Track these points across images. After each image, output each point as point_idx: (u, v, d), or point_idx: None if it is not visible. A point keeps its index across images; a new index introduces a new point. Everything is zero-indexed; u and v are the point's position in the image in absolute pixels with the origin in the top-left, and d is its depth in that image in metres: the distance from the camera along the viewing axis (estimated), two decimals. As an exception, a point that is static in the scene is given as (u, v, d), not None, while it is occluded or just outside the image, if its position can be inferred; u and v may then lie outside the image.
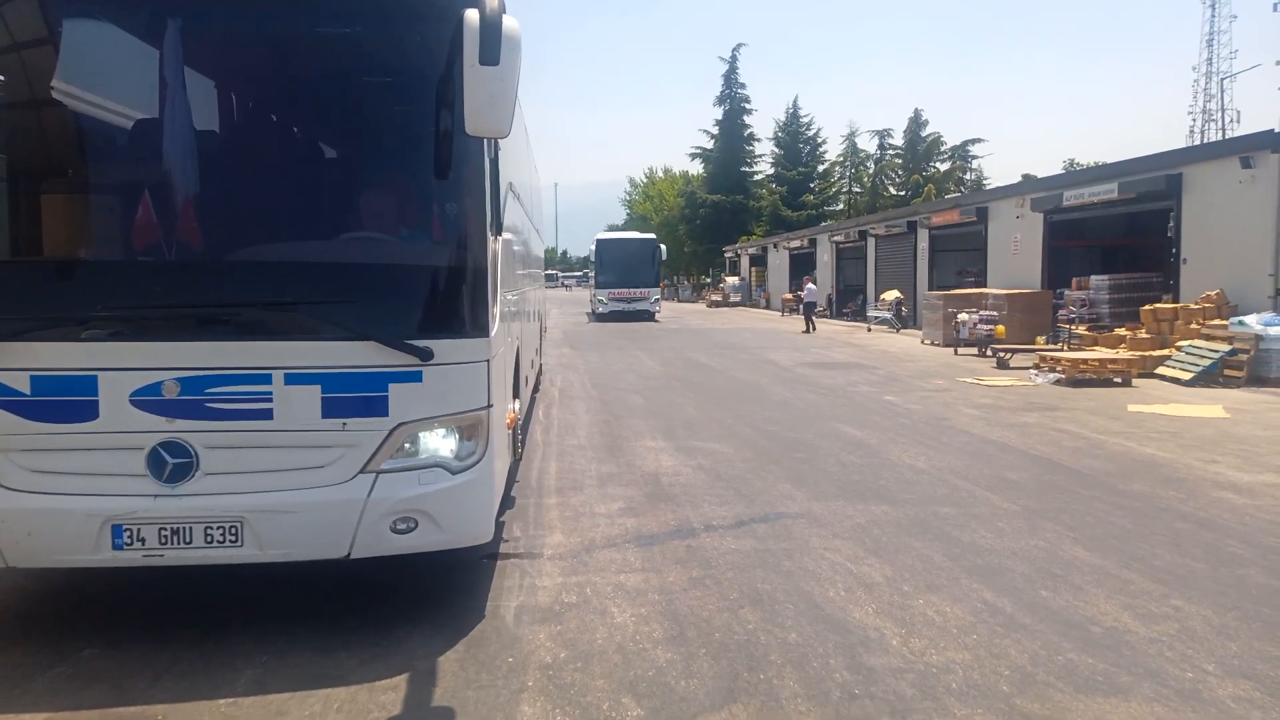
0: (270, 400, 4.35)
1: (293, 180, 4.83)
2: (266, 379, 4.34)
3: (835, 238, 41.12)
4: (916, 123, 63.56)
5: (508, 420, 5.78)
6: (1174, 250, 19.10)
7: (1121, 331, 18.71)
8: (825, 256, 42.26)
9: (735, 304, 54.65)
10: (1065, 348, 19.13)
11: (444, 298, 4.67)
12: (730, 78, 68.94)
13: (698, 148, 71.56)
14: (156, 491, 4.29)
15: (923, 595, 5.30)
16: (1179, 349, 16.30)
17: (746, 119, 69.37)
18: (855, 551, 6.12)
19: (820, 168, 68.78)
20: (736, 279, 58.95)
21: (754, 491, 7.86)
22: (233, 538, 4.35)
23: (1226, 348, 15.22)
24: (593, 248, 43.68)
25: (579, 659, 4.45)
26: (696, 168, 74.44)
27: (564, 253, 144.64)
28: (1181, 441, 10.11)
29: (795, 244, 47.56)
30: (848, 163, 67.39)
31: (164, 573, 4.83)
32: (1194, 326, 16.70)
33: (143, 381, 4.26)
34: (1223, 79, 77.47)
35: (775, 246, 51.04)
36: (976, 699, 4.01)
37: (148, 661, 4.36)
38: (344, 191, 4.86)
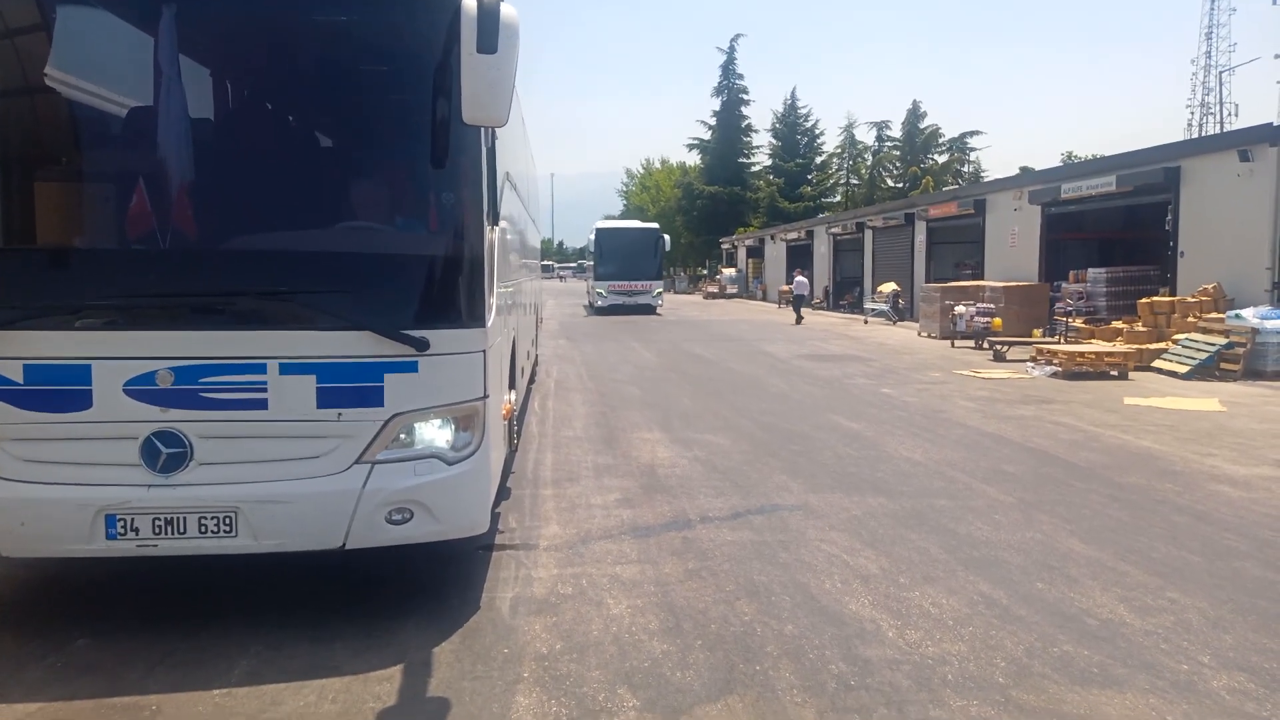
0: (265, 390, 4.32)
1: (288, 169, 4.80)
2: (261, 369, 4.31)
3: (833, 230, 41.09)
4: (914, 115, 63.47)
5: (504, 411, 5.76)
6: (1171, 243, 19.10)
7: (1118, 324, 18.74)
8: (823, 248, 42.24)
9: (732, 296, 54.62)
10: (1062, 340, 19.15)
11: (440, 288, 4.65)
12: (728, 69, 68.82)
13: (695, 139, 71.59)
14: (150, 481, 4.27)
15: (919, 587, 5.30)
16: (1175, 342, 16.32)
17: (744, 110, 69.32)
18: (851, 543, 6.12)
19: (818, 159, 68.72)
20: (733, 271, 58.90)
21: (750, 483, 7.86)
22: (227, 528, 4.34)
23: (1223, 341, 15.24)
24: (591, 237, 40.51)
25: (575, 650, 4.44)
26: (694, 159, 74.44)
27: (560, 244, 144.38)
28: (1178, 435, 10.12)
29: (792, 236, 47.50)
30: (845, 155, 67.30)
31: (158, 563, 4.81)
32: (1191, 320, 16.72)
33: (137, 371, 4.23)
34: (1221, 72, 77.44)
35: (772, 238, 51.01)
36: (972, 690, 4.01)
37: (141, 652, 4.34)
38: (340, 180, 4.83)
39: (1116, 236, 25.56)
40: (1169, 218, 19.14)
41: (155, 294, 4.38)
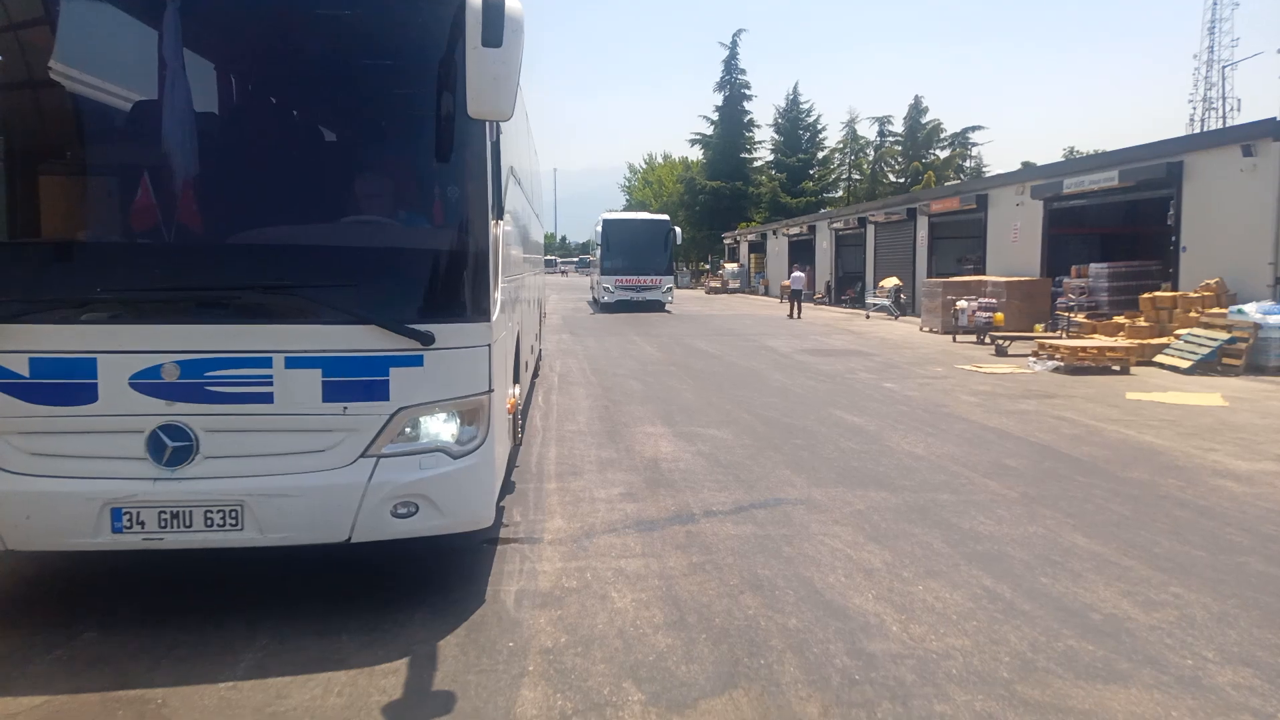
0: (271, 384, 4.33)
1: (293, 163, 4.79)
2: (267, 362, 4.31)
3: (835, 225, 41.03)
4: (916, 110, 63.33)
5: (508, 405, 5.76)
6: (1174, 238, 19.06)
7: (1120, 319, 18.71)
8: (825, 243, 42.19)
9: (734, 291, 54.58)
10: (1064, 335, 19.13)
11: (445, 282, 4.65)
12: (730, 64, 68.62)
13: (697, 134, 71.36)
14: (156, 475, 4.28)
15: (922, 581, 5.30)
16: (1178, 337, 16.31)
17: (746, 105, 69.10)
18: (855, 538, 6.12)
19: (820, 154, 68.57)
20: (735, 266, 58.84)
21: (753, 477, 7.86)
22: (233, 521, 4.34)
23: (1225, 336, 15.23)
24: (598, 229, 37.26)
25: (579, 644, 4.45)
26: (696, 154, 74.22)
27: (563, 238, 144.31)
28: (1180, 429, 10.12)
29: (794, 231, 47.45)
30: (847, 150, 67.14)
31: (163, 556, 4.81)
32: (1193, 315, 16.70)
33: (142, 364, 4.24)
34: (1224, 67, 77.30)
35: (774, 233, 50.94)
36: (977, 685, 4.01)
37: (147, 645, 4.36)
38: (345, 174, 4.82)
39: (1118, 232, 25.50)
40: (1171, 213, 19.10)
41: (161, 287, 4.38)
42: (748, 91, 68.89)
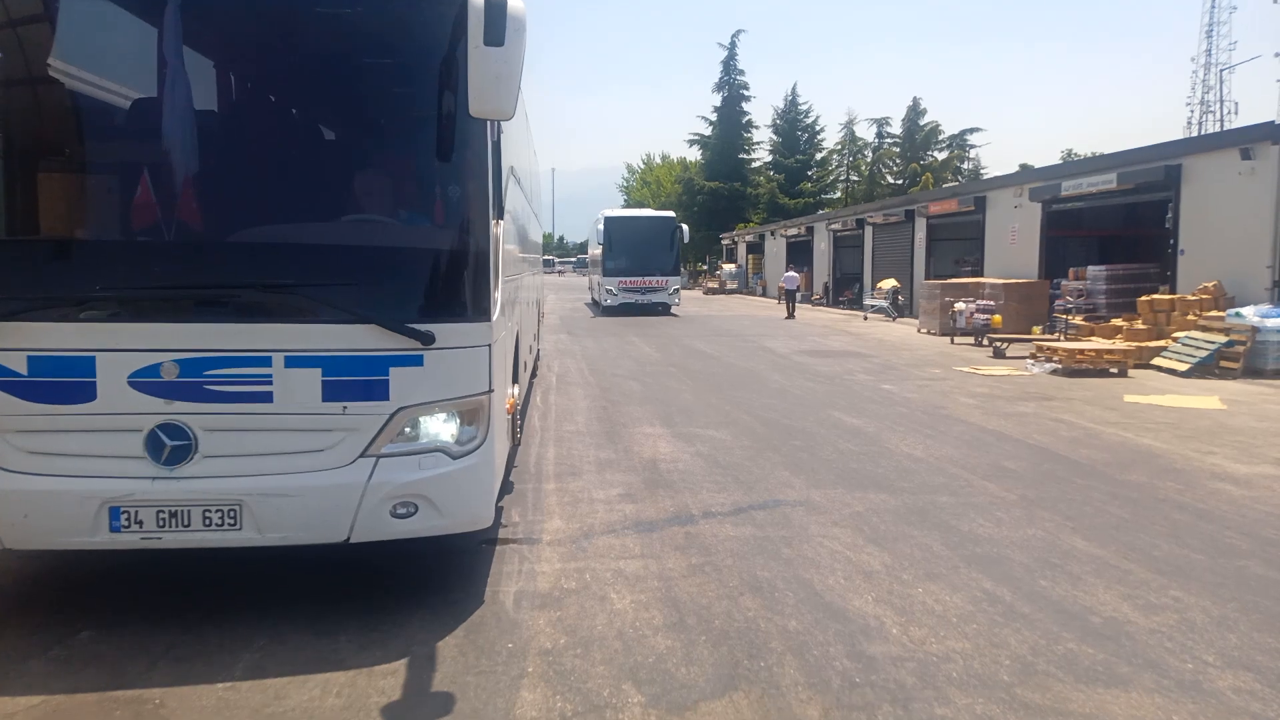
0: (270, 383, 4.31)
1: (294, 161, 4.77)
2: (266, 361, 4.30)
3: (833, 226, 41.05)
4: (915, 111, 63.35)
5: (507, 405, 5.75)
6: (1172, 241, 19.08)
7: (1118, 322, 18.72)
8: (823, 245, 42.20)
9: (732, 291, 54.58)
10: (1062, 338, 19.14)
11: (446, 281, 4.64)
12: (729, 64, 68.63)
13: (696, 134, 71.33)
14: (155, 474, 4.26)
15: (922, 584, 5.29)
16: (1175, 340, 16.32)
17: (745, 106, 69.11)
18: (854, 539, 6.11)
19: (818, 156, 68.61)
20: (733, 266, 58.84)
21: (752, 479, 7.85)
22: (231, 521, 4.33)
23: (1223, 339, 15.23)
24: (599, 227, 34.46)
25: (579, 645, 4.44)
26: (694, 154, 74.21)
27: (561, 238, 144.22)
28: (1178, 432, 10.12)
29: (793, 232, 47.47)
30: (846, 151, 67.17)
31: (161, 556, 4.80)
32: (1191, 318, 16.71)
33: (141, 363, 4.22)
34: (1222, 70, 77.36)
35: (772, 234, 50.96)
36: (977, 688, 4.00)
37: (145, 644, 4.34)
38: (346, 173, 4.80)
39: (1116, 234, 25.54)
40: (1169, 215, 19.12)
41: (160, 286, 4.36)
42: (746, 92, 68.95)
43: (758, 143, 70.23)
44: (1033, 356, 16.66)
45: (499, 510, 6.09)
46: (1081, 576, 5.42)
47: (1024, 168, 39.18)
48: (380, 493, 4.41)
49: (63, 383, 4.22)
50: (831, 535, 6.21)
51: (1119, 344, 16.70)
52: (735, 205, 64.96)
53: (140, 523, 4.26)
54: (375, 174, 4.86)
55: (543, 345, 17.61)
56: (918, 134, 62.69)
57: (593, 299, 38.06)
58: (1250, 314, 15.16)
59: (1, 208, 4.48)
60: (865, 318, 30.99)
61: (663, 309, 32.57)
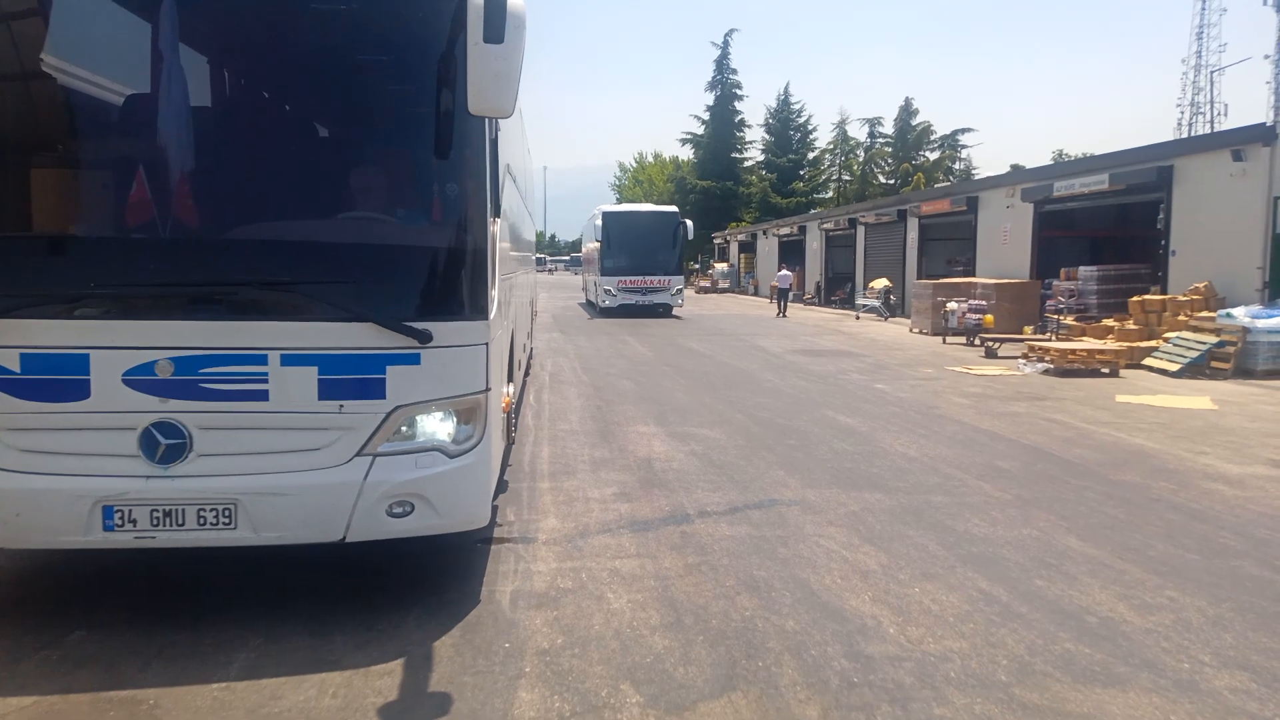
0: (266, 381, 4.28)
1: (291, 158, 4.74)
2: (262, 359, 4.27)
3: (825, 225, 41.09)
4: (907, 111, 63.41)
5: (503, 404, 5.72)
6: (1163, 242, 19.17)
7: (1109, 322, 18.80)
8: (815, 244, 42.25)
9: (724, 290, 54.65)
10: (1054, 338, 19.20)
11: (443, 279, 4.61)
12: (722, 63, 68.70)
13: (688, 133, 71.30)
14: (149, 472, 4.22)
15: (918, 583, 5.29)
16: (1167, 340, 16.39)
17: (737, 105, 69.17)
18: (850, 539, 6.11)
19: (810, 155, 68.70)
20: (725, 265, 58.91)
21: (747, 478, 7.84)
22: (226, 520, 4.29)
23: (1214, 340, 15.30)
24: (597, 223, 31.77)
25: (576, 645, 4.42)
26: (687, 153, 74.18)
27: (552, 237, 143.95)
28: (1170, 432, 10.16)
29: (785, 231, 47.50)
30: (838, 151, 67.17)
31: (155, 555, 4.76)
32: (1182, 318, 16.79)
33: (136, 361, 4.18)
34: (1212, 72, 77.77)
35: (765, 233, 50.99)
36: (975, 688, 4.00)
37: (138, 644, 4.31)
38: (343, 170, 4.77)
39: (1108, 235, 25.64)
40: (1161, 216, 19.20)
41: (155, 283, 4.32)
42: (739, 91, 69.00)
43: (750, 142, 70.34)
44: (1025, 356, 16.71)
45: (494, 509, 6.06)
46: (1077, 576, 5.43)
47: (1015, 168, 39.34)
48: (376, 492, 4.38)
49: (56, 380, 4.18)
50: (827, 535, 6.21)
51: (1110, 344, 16.76)
52: (727, 204, 64.98)
53: (134, 522, 4.23)
54: (373, 171, 4.83)
55: (535, 343, 17.57)
56: (910, 134, 62.75)
57: (587, 299, 36.67)
58: (1241, 314, 15.23)
59: None
60: (857, 317, 31.05)
61: (664, 310, 30.74)
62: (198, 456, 4.26)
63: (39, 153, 4.56)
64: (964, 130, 62.03)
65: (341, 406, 4.35)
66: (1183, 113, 79.72)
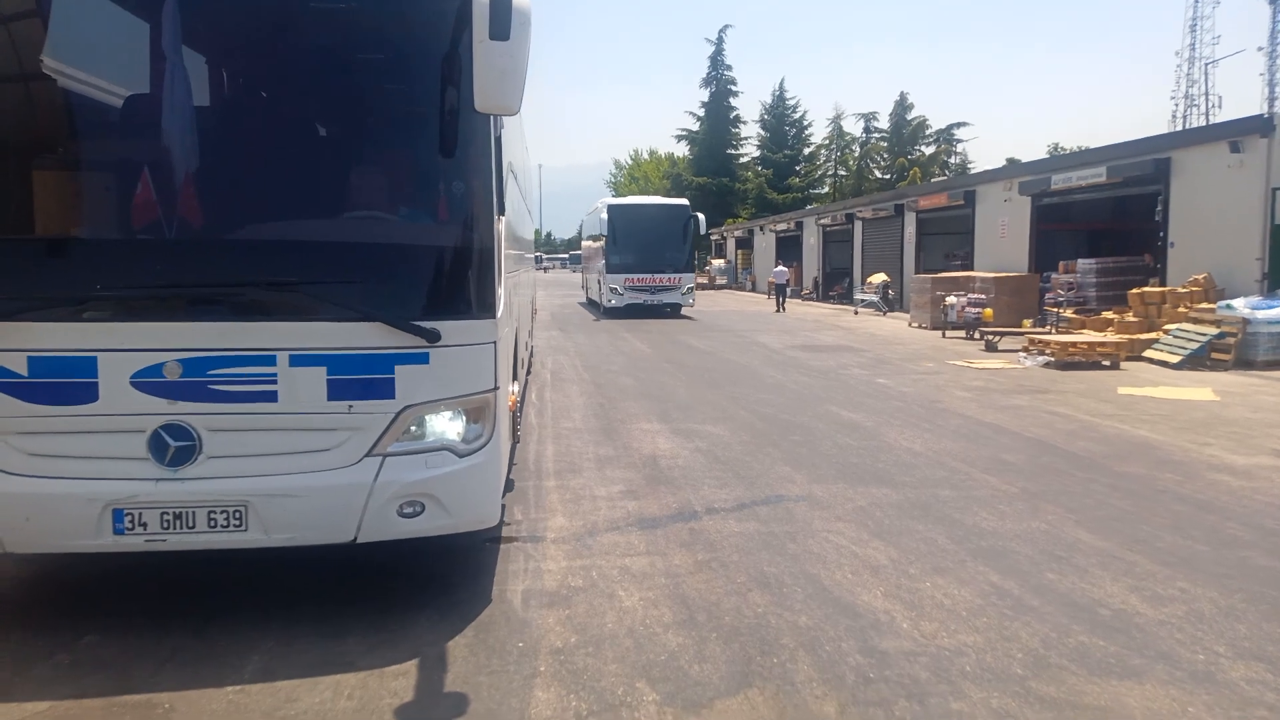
0: (275, 382, 4.25)
1: (297, 158, 4.71)
2: (271, 360, 4.24)
3: (822, 220, 41.09)
4: (902, 106, 63.57)
5: (509, 402, 5.71)
6: (1162, 234, 19.19)
7: (1109, 315, 18.80)
8: (812, 239, 42.24)
9: (721, 286, 54.63)
10: (1053, 330, 19.21)
11: (451, 278, 4.60)
12: (717, 60, 68.74)
13: (684, 130, 71.41)
14: (158, 475, 4.20)
15: (930, 578, 5.29)
16: (1167, 332, 16.39)
17: (733, 101, 69.29)
18: (859, 534, 6.11)
19: (806, 151, 68.79)
20: (723, 261, 58.90)
21: (753, 474, 7.83)
22: (236, 522, 4.27)
23: (1214, 331, 15.31)
24: (602, 216, 29.65)
25: (590, 643, 4.41)
26: (682, 150, 74.23)
27: (549, 235, 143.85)
28: (1174, 424, 10.16)
29: (782, 227, 47.51)
30: (833, 146, 67.31)
31: (165, 558, 4.73)
32: (1181, 310, 16.79)
33: (144, 363, 4.15)
34: (1206, 64, 77.66)
35: (761, 229, 51.00)
36: (991, 682, 4.00)
37: (151, 648, 4.28)
38: (349, 169, 4.75)
39: (1106, 227, 25.64)
40: (1159, 208, 19.22)
41: (163, 285, 4.29)
42: (734, 88, 69.11)
43: (746, 138, 70.45)
44: (1025, 350, 16.71)
45: (501, 508, 6.05)
46: (1088, 569, 5.43)
47: (1011, 162, 39.36)
48: (387, 492, 4.36)
49: (64, 383, 4.15)
50: (836, 530, 6.20)
51: (1111, 336, 16.77)
52: (724, 200, 65.01)
53: (144, 525, 4.20)
54: (379, 170, 4.81)
55: (535, 341, 17.55)
56: (905, 129, 62.90)
57: (588, 298, 35.12)
58: (1240, 306, 15.25)
59: (1, 206, 4.40)
60: (856, 312, 31.04)
61: (673, 310, 28.96)
62: (207, 458, 4.23)
63: (44, 155, 4.53)
64: (959, 124, 62.37)
65: (351, 407, 4.33)
66: (1177, 105, 79.68)
